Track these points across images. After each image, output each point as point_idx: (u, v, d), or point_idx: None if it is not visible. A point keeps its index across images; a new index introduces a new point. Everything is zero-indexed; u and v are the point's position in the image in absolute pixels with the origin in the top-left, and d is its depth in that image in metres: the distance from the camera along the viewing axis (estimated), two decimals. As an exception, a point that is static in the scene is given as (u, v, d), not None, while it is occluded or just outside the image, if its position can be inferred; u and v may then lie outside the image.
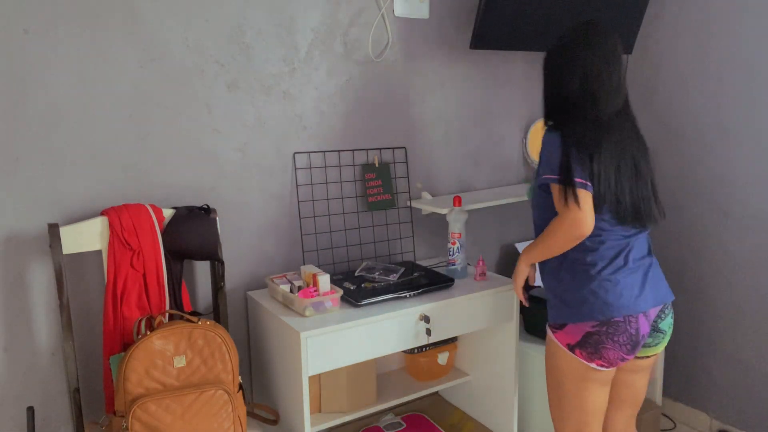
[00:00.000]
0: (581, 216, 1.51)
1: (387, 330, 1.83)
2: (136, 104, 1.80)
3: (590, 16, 2.35)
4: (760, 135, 2.29)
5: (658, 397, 2.52)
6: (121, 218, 1.69)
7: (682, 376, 2.64)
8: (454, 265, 2.11)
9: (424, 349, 2.20)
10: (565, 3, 2.27)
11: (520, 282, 1.77)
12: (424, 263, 2.30)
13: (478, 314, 2.01)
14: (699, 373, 2.58)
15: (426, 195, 2.33)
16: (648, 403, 2.49)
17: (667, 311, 1.66)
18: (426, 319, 1.88)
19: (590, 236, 1.58)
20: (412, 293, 1.92)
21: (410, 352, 2.21)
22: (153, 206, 1.77)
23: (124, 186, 1.81)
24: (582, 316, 1.59)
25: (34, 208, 1.70)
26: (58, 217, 1.73)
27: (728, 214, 2.41)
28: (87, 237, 1.68)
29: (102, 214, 1.72)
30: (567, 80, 1.62)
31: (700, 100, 2.46)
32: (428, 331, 1.89)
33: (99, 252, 1.76)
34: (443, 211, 2.13)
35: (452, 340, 2.28)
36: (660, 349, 1.70)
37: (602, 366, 1.61)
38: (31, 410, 1.70)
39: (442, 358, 2.23)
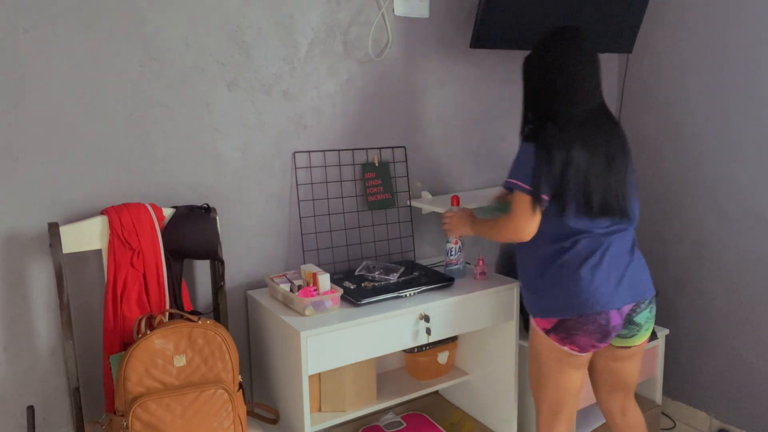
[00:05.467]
0: (530, 227, 1.67)
1: (387, 329, 1.83)
2: (136, 104, 1.80)
3: (590, 15, 2.35)
4: (760, 135, 2.29)
5: (658, 396, 2.52)
6: (121, 217, 1.69)
7: (681, 376, 2.65)
8: (456, 264, 2.11)
9: (424, 349, 2.20)
10: (565, 2, 2.27)
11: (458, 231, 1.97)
12: (423, 262, 2.30)
13: (478, 313, 2.01)
14: (699, 372, 2.58)
15: (426, 194, 2.33)
16: (648, 403, 2.50)
17: (643, 306, 1.73)
18: (426, 318, 1.88)
19: (567, 236, 1.69)
20: (412, 292, 1.93)
21: (410, 351, 2.21)
22: (153, 205, 1.77)
23: (124, 185, 1.81)
24: (556, 312, 1.70)
25: (34, 208, 1.70)
26: (58, 216, 1.73)
27: (728, 214, 2.41)
28: (87, 236, 1.68)
29: (102, 213, 1.72)
30: (548, 80, 1.72)
31: (700, 100, 2.46)
32: (428, 331, 1.90)
33: (99, 251, 1.76)
34: (443, 211, 2.13)
35: (452, 340, 2.28)
36: (639, 341, 1.78)
37: (574, 350, 1.72)
38: (31, 409, 1.70)
39: (442, 357, 2.23)
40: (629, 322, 1.72)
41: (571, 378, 1.77)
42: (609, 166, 1.68)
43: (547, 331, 1.73)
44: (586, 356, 1.74)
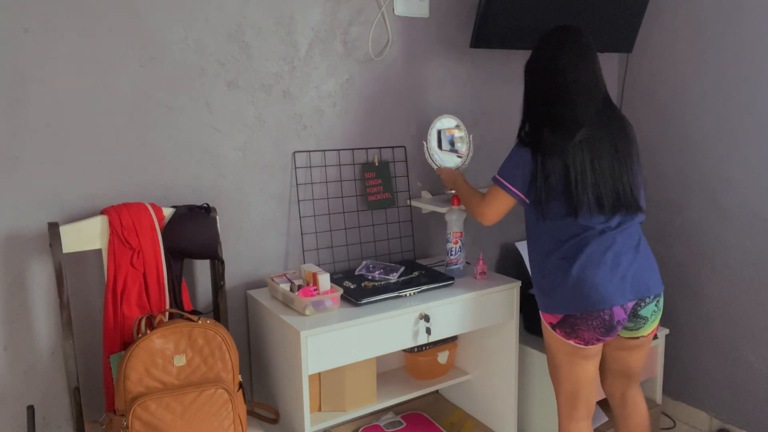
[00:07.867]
0: (493, 218, 1.85)
1: (387, 329, 1.83)
2: (136, 103, 1.80)
3: (590, 15, 2.35)
4: (759, 134, 2.29)
5: (658, 396, 2.52)
6: (121, 217, 1.69)
7: (681, 375, 2.65)
8: (456, 264, 2.12)
9: (424, 348, 2.20)
10: (566, 2, 2.27)
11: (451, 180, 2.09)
12: (423, 262, 2.30)
13: (478, 313, 2.01)
14: (699, 372, 2.58)
15: (426, 194, 2.33)
16: (648, 402, 2.49)
17: (648, 300, 1.74)
18: (426, 318, 1.88)
19: (574, 235, 1.72)
20: (412, 292, 1.93)
21: (410, 351, 2.21)
22: (153, 205, 1.77)
23: (124, 185, 1.81)
24: (561, 308, 1.73)
25: (34, 207, 1.70)
26: (58, 215, 1.73)
27: (728, 213, 2.41)
28: (87, 236, 1.68)
29: (102, 213, 1.72)
30: (544, 85, 1.75)
31: (700, 99, 2.46)
32: (428, 330, 1.90)
33: (99, 251, 1.76)
34: (443, 210, 2.13)
35: (452, 339, 2.28)
36: (646, 331, 1.80)
37: (579, 344, 1.74)
38: (31, 409, 1.70)
39: (442, 357, 2.23)
40: (634, 315, 1.74)
41: (584, 368, 1.79)
42: (619, 162, 1.71)
43: (553, 326, 1.76)
44: (595, 348, 1.76)
